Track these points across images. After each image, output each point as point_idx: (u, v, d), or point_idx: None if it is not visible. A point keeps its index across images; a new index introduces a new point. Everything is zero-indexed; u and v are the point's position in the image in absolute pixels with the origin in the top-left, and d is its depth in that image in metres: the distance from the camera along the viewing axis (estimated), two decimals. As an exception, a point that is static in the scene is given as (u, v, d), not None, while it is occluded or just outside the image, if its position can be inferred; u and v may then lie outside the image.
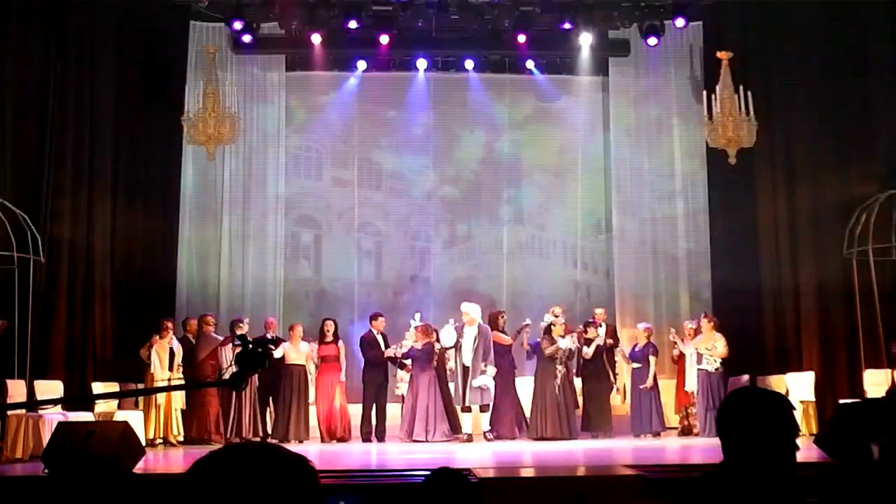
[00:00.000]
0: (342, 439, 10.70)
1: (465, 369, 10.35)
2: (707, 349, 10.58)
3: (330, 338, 10.85)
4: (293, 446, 9.76)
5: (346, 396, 10.89)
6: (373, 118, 13.31)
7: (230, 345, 10.53)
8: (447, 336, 10.53)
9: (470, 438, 10.28)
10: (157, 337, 10.34)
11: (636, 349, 11.03)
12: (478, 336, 10.36)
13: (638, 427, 10.74)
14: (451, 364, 10.64)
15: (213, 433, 10.42)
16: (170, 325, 10.51)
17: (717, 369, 10.55)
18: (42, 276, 10.42)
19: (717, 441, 2.32)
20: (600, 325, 11.08)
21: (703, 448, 8.94)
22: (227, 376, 2.95)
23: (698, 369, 10.57)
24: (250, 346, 2.92)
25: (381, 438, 10.68)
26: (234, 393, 10.46)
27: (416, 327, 10.84)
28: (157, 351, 10.31)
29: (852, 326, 10.73)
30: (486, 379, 10.34)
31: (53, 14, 10.89)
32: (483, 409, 10.41)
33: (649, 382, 10.79)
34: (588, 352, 10.75)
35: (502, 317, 11.07)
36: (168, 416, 10.25)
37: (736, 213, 12.18)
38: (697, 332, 10.93)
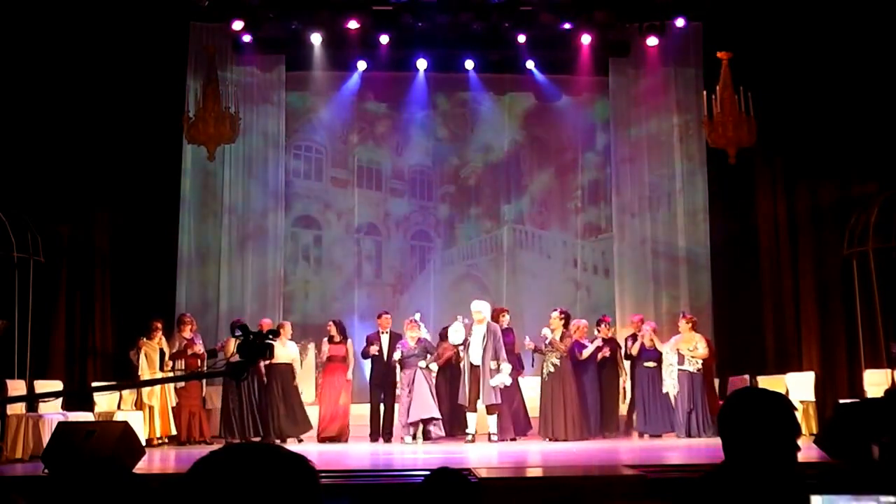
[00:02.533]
0: (337, 439, 10.61)
1: (473, 368, 10.26)
2: (689, 350, 10.55)
3: (337, 338, 10.83)
4: (291, 445, 9.77)
5: (350, 396, 10.86)
6: (373, 118, 13.31)
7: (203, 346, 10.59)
8: (455, 333, 10.45)
9: (473, 439, 10.22)
10: (144, 339, 10.32)
11: (647, 349, 10.90)
12: (486, 334, 10.29)
13: (652, 427, 10.65)
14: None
15: (198, 433, 10.41)
16: (159, 325, 10.49)
17: (698, 370, 10.53)
18: (42, 277, 10.41)
19: (715, 441, 2.32)
20: (605, 333, 11.01)
21: (703, 448, 8.93)
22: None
23: (681, 370, 10.52)
24: (251, 336, 2.91)
25: (387, 439, 10.65)
26: (226, 392, 10.44)
27: (407, 322, 10.72)
28: (146, 352, 10.30)
29: (852, 326, 10.73)
30: (503, 377, 10.18)
31: (52, 13, 10.89)
32: (490, 410, 10.24)
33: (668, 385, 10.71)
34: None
35: (503, 314, 11.02)
36: (164, 415, 10.24)
37: (736, 213, 12.19)
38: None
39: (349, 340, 10.95)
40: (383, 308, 11.84)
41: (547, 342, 10.38)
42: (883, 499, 2.05)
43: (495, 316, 10.80)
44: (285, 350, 10.77)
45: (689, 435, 10.26)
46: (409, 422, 10.23)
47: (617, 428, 10.84)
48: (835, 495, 2.06)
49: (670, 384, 10.53)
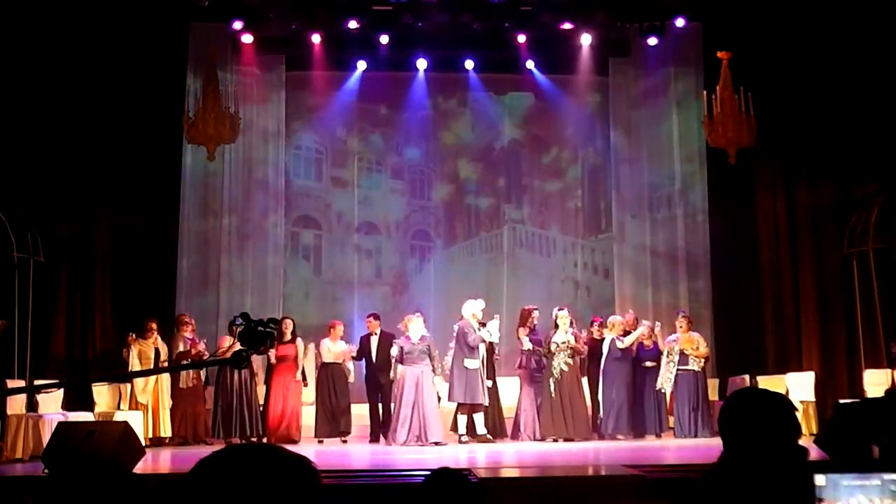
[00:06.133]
0: (292, 441, 10.40)
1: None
2: (693, 349, 10.55)
3: (288, 337, 10.67)
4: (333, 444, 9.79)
5: (300, 397, 10.70)
6: (373, 118, 13.31)
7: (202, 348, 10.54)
8: (495, 331, 10.34)
9: (484, 439, 10.21)
10: (133, 335, 10.28)
11: (646, 348, 10.83)
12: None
13: (649, 427, 10.61)
14: (473, 363, 10.18)
15: (203, 432, 10.40)
16: (154, 325, 10.46)
17: (702, 368, 10.58)
18: (42, 277, 10.40)
19: (715, 441, 2.32)
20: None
21: (703, 448, 8.93)
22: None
23: (684, 370, 10.50)
24: (252, 324, 2.90)
25: (386, 439, 10.62)
26: (230, 392, 10.42)
27: (416, 317, 10.48)
28: (138, 350, 10.25)
29: (852, 326, 10.73)
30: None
31: (53, 13, 10.89)
32: (477, 409, 10.26)
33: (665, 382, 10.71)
34: (626, 342, 10.64)
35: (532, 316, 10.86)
36: (157, 415, 10.23)
37: (736, 213, 12.19)
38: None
39: (298, 340, 10.82)
40: (383, 308, 11.84)
41: (563, 343, 10.32)
42: (886, 476, 2.05)
43: (526, 315, 10.78)
44: (336, 349, 10.75)
45: (693, 434, 10.26)
46: (399, 441, 9.90)
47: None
48: (838, 474, 2.06)
49: (667, 381, 10.49)
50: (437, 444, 9.85)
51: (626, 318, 11.19)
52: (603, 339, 10.79)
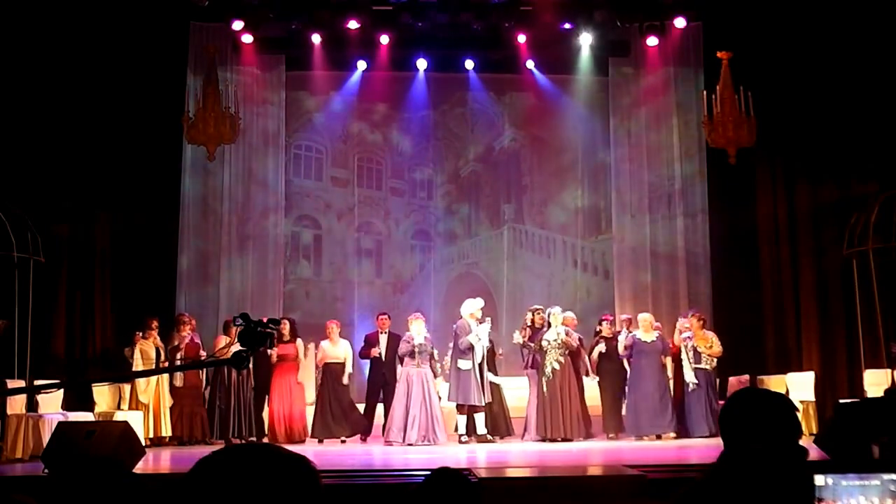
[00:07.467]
0: (299, 441, 10.45)
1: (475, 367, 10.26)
2: (707, 347, 10.54)
3: (287, 337, 10.69)
4: (332, 444, 9.77)
5: (304, 398, 10.73)
6: (373, 118, 13.32)
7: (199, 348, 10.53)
8: (484, 335, 10.37)
9: (484, 439, 10.23)
10: (140, 335, 10.31)
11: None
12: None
13: (652, 427, 10.61)
14: (465, 364, 10.20)
15: (200, 433, 10.41)
16: (155, 323, 10.45)
17: (713, 367, 10.58)
18: (42, 277, 10.40)
19: (716, 441, 2.32)
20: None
21: (703, 448, 8.93)
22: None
23: (697, 368, 10.50)
24: (252, 324, 2.90)
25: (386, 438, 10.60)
26: (226, 393, 10.41)
27: (418, 318, 10.51)
28: (140, 349, 10.26)
29: (852, 326, 10.73)
30: (491, 376, 10.35)
31: (53, 13, 10.90)
32: (477, 409, 10.26)
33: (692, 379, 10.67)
34: (620, 350, 10.68)
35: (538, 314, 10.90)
36: (157, 415, 10.23)
37: (736, 213, 12.19)
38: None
39: (299, 340, 10.84)
40: (383, 307, 11.84)
41: (554, 340, 10.30)
42: (886, 476, 2.05)
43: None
44: (336, 349, 10.78)
45: (713, 434, 10.19)
46: (410, 441, 9.92)
47: (621, 428, 10.77)
48: (839, 474, 2.06)
49: (690, 377, 10.47)
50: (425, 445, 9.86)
51: (655, 326, 11.01)
52: (613, 337, 10.82)
